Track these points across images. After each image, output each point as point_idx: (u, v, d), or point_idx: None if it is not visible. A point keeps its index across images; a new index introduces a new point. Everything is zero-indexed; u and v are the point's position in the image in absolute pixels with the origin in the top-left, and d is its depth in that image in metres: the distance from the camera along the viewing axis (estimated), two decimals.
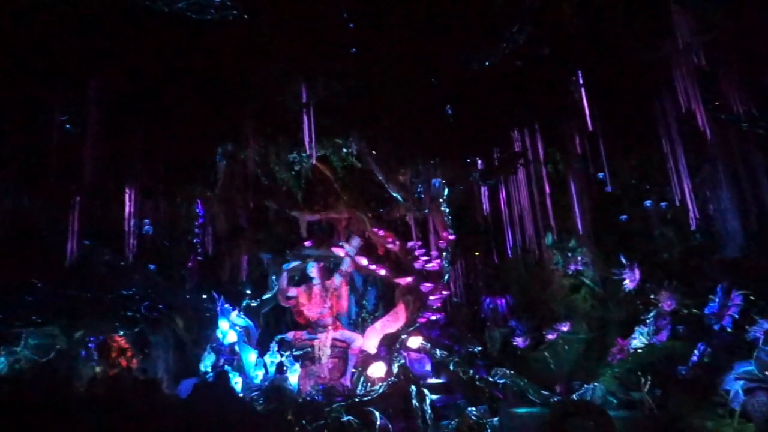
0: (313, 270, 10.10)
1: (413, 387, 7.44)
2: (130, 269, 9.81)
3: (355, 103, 7.18)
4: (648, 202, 9.48)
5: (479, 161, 8.92)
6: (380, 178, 8.78)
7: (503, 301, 10.97)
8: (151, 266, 10.09)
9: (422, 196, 9.25)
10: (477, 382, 7.97)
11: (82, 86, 6.61)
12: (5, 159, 7.86)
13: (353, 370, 9.43)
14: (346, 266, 10.17)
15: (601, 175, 9.00)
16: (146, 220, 9.06)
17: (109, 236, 9.53)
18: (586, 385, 7.99)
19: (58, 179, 8.07)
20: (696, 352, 7.10)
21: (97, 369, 8.81)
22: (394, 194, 9.05)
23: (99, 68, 6.49)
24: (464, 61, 7.15)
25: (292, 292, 10.02)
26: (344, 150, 9.27)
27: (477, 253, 10.79)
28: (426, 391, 7.50)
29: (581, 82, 7.99)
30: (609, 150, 8.79)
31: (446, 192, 9.53)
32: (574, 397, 8.01)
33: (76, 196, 8.29)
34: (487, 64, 7.07)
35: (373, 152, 8.15)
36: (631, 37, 7.41)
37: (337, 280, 9.99)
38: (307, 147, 6.95)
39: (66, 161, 7.95)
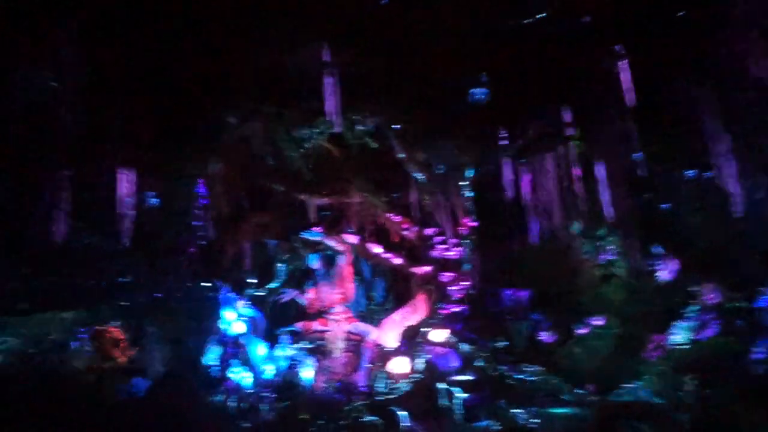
0: (315, 262, 9.42)
1: (441, 384, 6.76)
2: (124, 254, 9.08)
3: (377, 69, 6.43)
4: (686, 188, 8.82)
5: (506, 141, 8.25)
6: (400, 156, 8.02)
7: (525, 292, 10.31)
8: (148, 251, 9.36)
9: (443, 177, 8.54)
10: (508, 380, 7.29)
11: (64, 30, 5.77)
12: None
13: (368, 365, 8.77)
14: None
15: (638, 155, 8.32)
16: (144, 197, 8.24)
17: (101, 217, 8.80)
18: (625, 384, 7.33)
19: (41, 145, 7.31)
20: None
21: (90, 361, 8.19)
22: (414, 175, 8.32)
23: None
24: (500, 24, 6.45)
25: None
26: (359, 127, 8.54)
27: (499, 242, 10.08)
28: (455, 389, 6.81)
29: (622, 53, 7.35)
30: (646, 130, 8.16)
31: (469, 174, 8.83)
32: (612, 396, 7.35)
33: (62, 167, 7.50)
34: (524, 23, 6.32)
35: (395, 126, 7.37)
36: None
37: (340, 260, 9.28)
38: (331, 112, 6.16)
39: (49, 123, 7.18)
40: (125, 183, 7.99)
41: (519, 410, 6.44)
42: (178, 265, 9.64)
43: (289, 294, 9.51)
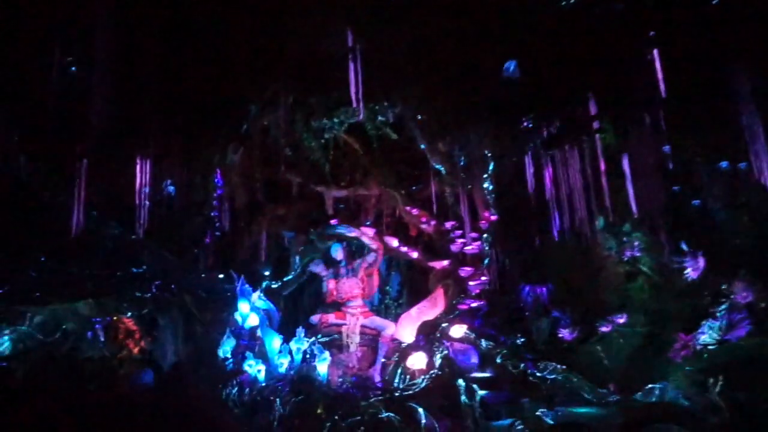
0: (338, 252, 9.25)
1: (460, 381, 6.56)
2: (140, 245, 9.01)
3: (402, 58, 6.23)
4: (717, 182, 8.49)
5: (530, 132, 8.00)
6: (422, 146, 7.82)
7: (543, 289, 10.05)
8: (163, 242, 9.27)
9: (465, 169, 8.32)
10: (530, 378, 7.07)
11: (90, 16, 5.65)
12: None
13: (383, 359, 8.62)
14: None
15: (666, 148, 8.03)
16: (162, 187, 8.13)
17: (118, 208, 8.73)
18: (651, 385, 7.07)
19: (62, 137, 7.24)
20: None
21: (104, 351, 8.21)
22: (436, 166, 8.12)
23: None
24: (528, 10, 6.21)
25: (320, 269, 9.14)
26: (380, 117, 8.36)
27: (519, 236, 9.84)
28: (475, 387, 6.62)
29: (654, 41, 7.08)
30: (677, 121, 7.86)
31: (491, 166, 8.60)
32: (637, 397, 7.10)
33: (81, 158, 7.45)
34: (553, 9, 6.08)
35: (418, 116, 7.17)
36: None
37: (370, 258, 9.12)
38: (354, 98, 5.99)
39: (71, 115, 7.12)
40: (143, 173, 7.91)
41: (544, 410, 6.19)
42: (193, 256, 9.56)
43: (318, 265, 9.25)
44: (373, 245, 9.34)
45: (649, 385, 7.16)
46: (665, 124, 7.87)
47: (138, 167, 7.77)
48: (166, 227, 9.03)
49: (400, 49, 6.16)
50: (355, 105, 6.22)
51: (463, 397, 6.41)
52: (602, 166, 8.41)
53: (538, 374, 7.63)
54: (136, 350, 8.65)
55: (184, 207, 8.90)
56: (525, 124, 7.46)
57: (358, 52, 5.87)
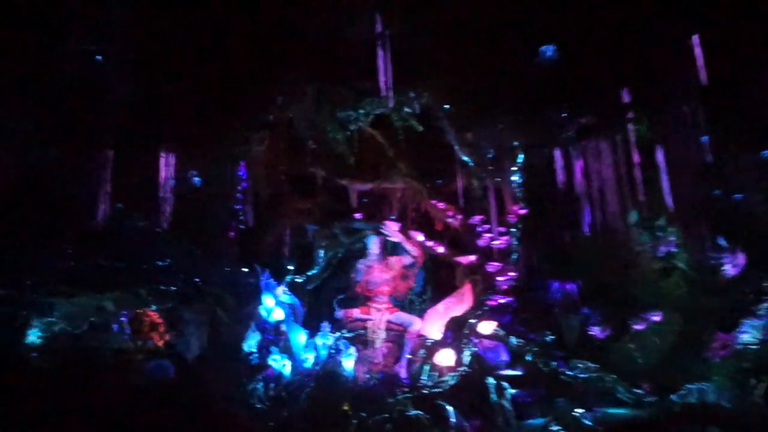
0: (374, 245, 9.11)
1: (491, 379, 6.38)
2: (165, 238, 8.97)
3: (433, 44, 6.02)
4: (757, 174, 8.13)
5: (562, 122, 7.74)
6: (449, 138, 7.61)
7: (573, 285, 9.79)
8: (188, 235, 9.22)
9: (493, 161, 8.09)
10: (562, 376, 6.85)
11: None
12: (24, 100, 6.98)
13: (409, 356, 8.47)
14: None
15: (705, 138, 7.70)
16: (186, 178, 8.06)
17: (142, 200, 8.69)
18: (689, 385, 6.80)
19: (86, 125, 7.20)
20: None
21: (130, 344, 8.09)
22: (464, 158, 7.90)
23: None
24: None
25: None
26: (406, 109, 8.16)
27: (548, 231, 9.59)
28: (505, 385, 6.42)
29: (692, 28, 6.78)
30: (715, 112, 7.54)
31: (520, 158, 8.36)
32: (674, 398, 6.83)
33: (105, 147, 7.40)
34: None
35: (446, 106, 6.96)
36: None
37: (407, 260, 8.93)
38: (382, 86, 5.81)
39: (95, 102, 7.07)
40: (167, 164, 7.87)
41: (580, 410, 5.98)
42: (218, 250, 9.50)
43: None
44: (414, 251, 9.17)
45: (687, 386, 6.89)
46: (704, 113, 7.56)
47: (162, 159, 7.71)
48: (190, 220, 8.98)
49: (430, 35, 5.94)
50: (384, 93, 6.03)
51: (493, 396, 6.22)
52: (636, 158, 8.15)
53: (569, 373, 7.41)
54: (160, 343, 8.75)
55: (209, 200, 8.82)
56: (558, 113, 7.19)
57: (388, 38, 5.68)
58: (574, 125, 7.58)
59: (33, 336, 8.16)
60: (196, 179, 8.08)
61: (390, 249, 9.84)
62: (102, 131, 7.74)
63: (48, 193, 7.88)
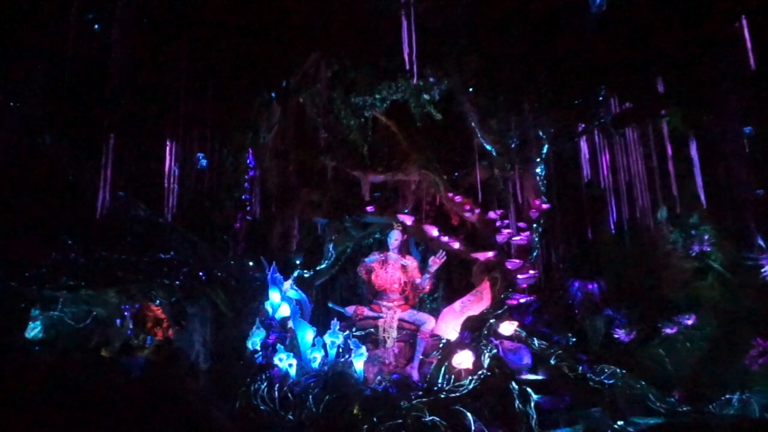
0: (395, 239, 8.65)
1: (514, 384, 5.89)
2: (168, 229, 8.57)
3: (459, 22, 5.53)
4: None
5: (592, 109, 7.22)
6: (473, 124, 7.12)
7: (595, 285, 9.26)
8: (192, 227, 8.81)
9: (517, 151, 7.59)
10: (591, 382, 6.34)
11: None
12: (18, 82, 6.60)
13: (421, 357, 8.00)
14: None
15: (747, 129, 7.17)
16: (192, 168, 7.64)
17: (145, 189, 8.30)
18: (728, 395, 6.27)
19: (87, 107, 6.81)
20: None
21: (132, 339, 8.11)
22: (487, 146, 7.40)
23: None
24: None
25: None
26: (424, 96, 7.70)
27: (572, 227, 9.08)
28: (529, 390, 5.93)
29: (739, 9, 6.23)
30: (759, 100, 6.99)
31: (545, 149, 7.85)
32: (711, 408, 6.32)
33: (108, 132, 7.02)
34: None
35: (470, 89, 6.46)
36: None
37: (424, 283, 8.57)
38: (406, 59, 5.33)
39: (95, 83, 6.67)
40: (172, 152, 7.47)
41: (611, 420, 5.47)
42: (223, 243, 9.09)
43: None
44: (440, 257, 8.64)
45: (726, 396, 6.37)
46: (744, 102, 7.03)
47: (166, 145, 7.30)
48: (195, 211, 8.57)
49: (457, 12, 5.45)
50: (408, 67, 5.54)
51: (516, 402, 5.73)
52: (669, 151, 7.63)
53: (595, 378, 6.90)
54: (163, 339, 8.42)
55: (214, 190, 8.40)
56: (590, 99, 6.67)
57: (412, 4, 5.20)
58: (604, 113, 7.05)
59: (36, 329, 7.94)
60: (203, 162, 7.62)
61: (406, 248, 9.40)
62: (103, 116, 7.38)
63: (49, 181, 7.52)
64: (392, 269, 8.57)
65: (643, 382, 6.90)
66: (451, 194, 8.80)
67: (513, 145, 7.44)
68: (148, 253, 8.45)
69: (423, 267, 8.92)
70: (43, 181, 7.26)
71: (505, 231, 8.46)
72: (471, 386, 6.03)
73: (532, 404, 5.79)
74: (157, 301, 8.74)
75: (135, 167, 8.04)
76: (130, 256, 8.33)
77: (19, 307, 7.89)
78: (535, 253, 8.46)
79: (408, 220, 9.24)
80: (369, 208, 9.33)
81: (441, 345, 7.93)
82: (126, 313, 8.37)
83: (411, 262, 8.90)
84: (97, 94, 7.23)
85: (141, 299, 8.73)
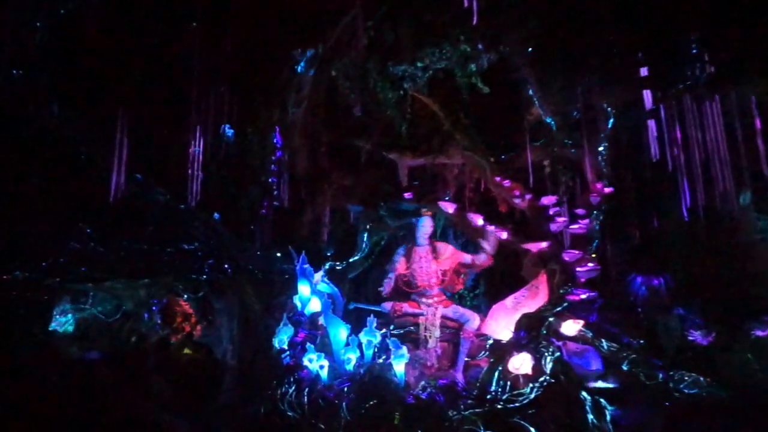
0: (426, 228, 7.80)
1: (585, 393, 4.98)
2: (190, 216, 7.99)
3: None
4: None
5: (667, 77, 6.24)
6: (531, 93, 6.22)
7: (661, 280, 8.25)
8: (216, 213, 8.21)
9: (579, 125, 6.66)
10: (676, 393, 5.38)
11: None
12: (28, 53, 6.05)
13: (466, 359, 7.14)
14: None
15: None
16: (217, 151, 7.01)
17: (164, 171, 7.73)
18: None
19: (101, 80, 6.24)
20: None
21: (161, 334, 7.94)
22: (547, 120, 6.48)
23: None
24: None
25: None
26: (472, 66, 6.84)
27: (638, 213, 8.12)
28: (602, 401, 5.01)
29: None
30: None
31: (609, 125, 6.89)
32: None
33: (123, 107, 6.43)
34: None
35: (529, 50, 5.55)
36: None
37: (480, 259, 7.68)
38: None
39: (109, 54, 6.09)
40: (196, 135, 6.86)
41: None
42: (249, 231, 8.46)
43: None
44: (489, 249, 7.76)
45: None
46: None
47: (186, 120, 6.65)
48: (217, 196, 7.94)
49: None
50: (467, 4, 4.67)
51: (589, 415, 4.82)
52: (756, 124, 6.61)
53: (673, 386, 5.93)
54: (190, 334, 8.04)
55: (239, 172, 7.73)
56: (663, 64, 5.69)
57: None
58: (681, 79, 6.06)
59: (68, 323, 7.73)
60: (228, 136, 6.95)
61: (438, 234, 8.55)
62: (117, 90, 6.81)
63: (54, 162, 6.95)
64: (425, 262, 7.68)
65: (731, 393, 5.91)
66: (498, 178, 7.90)
67: (573, 119, 6.50)
68: (170, 243, 7.91)
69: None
70: (51, 159, 6.68)
71: (560, 219, 7.51)
72: (532, 395, 5.13)
73: (608, 418, 4.86)
74: (185, 296, 8.32)
75: (152, 148, 7.47)
76: (152, 246, 7.80)
77: (41, 299, 7.55)
78: (595, 243, 7.51)
79: (450, 208, 8.37)
80: (407, 195, 8.50)
81: (488, 345, 7.08)
82: (154, 308, 8.09)
83: (444, 247, 8.01)
84: (112, 62, 6.66)
85: (166, 294, 8.34)
